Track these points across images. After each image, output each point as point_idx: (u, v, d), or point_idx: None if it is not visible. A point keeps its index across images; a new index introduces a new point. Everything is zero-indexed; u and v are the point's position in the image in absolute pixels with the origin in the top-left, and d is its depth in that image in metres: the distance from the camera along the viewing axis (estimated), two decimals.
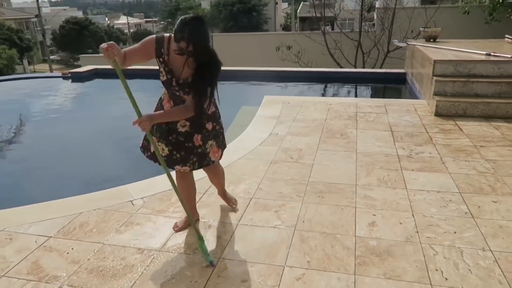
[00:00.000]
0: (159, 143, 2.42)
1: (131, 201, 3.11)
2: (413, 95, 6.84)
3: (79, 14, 57.07)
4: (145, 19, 77.72)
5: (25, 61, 28.70)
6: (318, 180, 3.42)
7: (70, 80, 9.49)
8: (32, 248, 2.53)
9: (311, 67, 10.96)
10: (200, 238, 2.37)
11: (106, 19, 64.81)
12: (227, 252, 2.46)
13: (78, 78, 9.52)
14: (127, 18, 59.63)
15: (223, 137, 2.59)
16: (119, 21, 62.87)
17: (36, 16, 40.38)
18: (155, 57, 2.24)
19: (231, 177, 3.43)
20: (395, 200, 3.05)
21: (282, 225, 2.73)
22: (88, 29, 39.85)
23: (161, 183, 3.37)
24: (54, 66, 35.62)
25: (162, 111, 2.35)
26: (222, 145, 2.58)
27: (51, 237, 2.65)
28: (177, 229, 2.70)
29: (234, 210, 2.91)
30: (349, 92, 8.49)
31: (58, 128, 6.23)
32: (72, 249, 2.52)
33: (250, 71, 9.14)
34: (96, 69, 10.10)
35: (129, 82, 2.15)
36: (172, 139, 2.39)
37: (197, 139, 2.39)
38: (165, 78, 2.26)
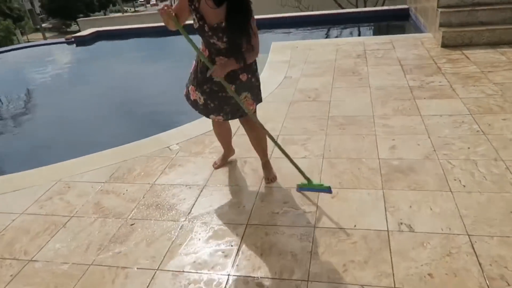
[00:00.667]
0: (196, 92, 2.49)
1: (168, 147, 3.37)
2: (417, 30, 6.89)
3: None
4: None
5: (17, 32, 28.18)
6: (337, 114, 3.65)
7: (75, 45, 9.52)
8: (91, 193, 2.82)
9: (312, 10, 10.84)
10: (308, 180, 2.51)
11: None
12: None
13: (82, 42, 9.55)
14: None
15: (259, 91, 2.53)
16: None
17: None
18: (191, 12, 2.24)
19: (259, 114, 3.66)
20: (411, 126, 3.30)
21: (311, 155, 3.00)
22: None
23: (191, 129, 3.64)
24: (47, 34, 34.96)
25: (232, 58, 2.26)
26: (257, 99, 2.52)
27: (104, 182, 2.94)
28: (216, 166, 2.97)
29: (269, 184, 2.72)
30: (352, 33, 8.51)
31: (80, 89, 6.46)
32: (127, 190, 2.81)
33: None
34: (98, 31, 10.11)
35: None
36: (206, 89, 2.41)
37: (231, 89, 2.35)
38: (197, 25, 2.28)
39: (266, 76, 4.96)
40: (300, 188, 2.57)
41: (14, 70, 8.55)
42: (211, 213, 2.49)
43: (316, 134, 3.31)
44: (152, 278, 2.03)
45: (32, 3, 31.78)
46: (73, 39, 9.65)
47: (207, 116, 2.57)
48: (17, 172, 3.26)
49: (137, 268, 2.11)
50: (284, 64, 5.28)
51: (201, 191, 2.72)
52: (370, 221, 2.26)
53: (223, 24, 2.17)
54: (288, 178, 2.73)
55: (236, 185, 2.76)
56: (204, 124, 3.67)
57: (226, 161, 2.99)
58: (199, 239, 2.27)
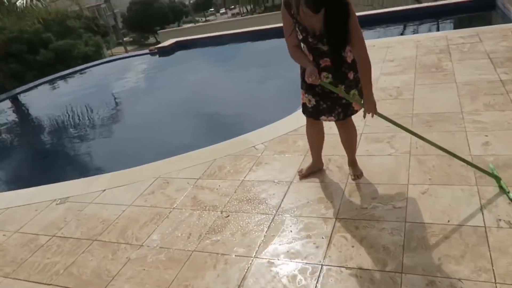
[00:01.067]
0: (306, 95, 2.54)
1: (253, 146, 3.56)
2: (506, 20, 6.43)
3: None
4: None
5: (103, 46, 30.89)
6: (422, 112, 3.58)
7: (158, 55, 10.29)
8: (188, 188, 3.09)
9: (386, 7, 10.55)
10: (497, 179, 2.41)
11: None
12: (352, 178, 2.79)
13: (164, 52, 10.29)
14: None
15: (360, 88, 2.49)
16: None
17: (106, 1, 42.87)
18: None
19: None
20: (505, 121, 3.13)
21: (397, 152, 2.99)
22: (153, 7, 41.29)
23: (274, 129, 3.79)
24: (128, 47, 37.84)
25: (361, 80, 2.39)
26: (362, 96, 2.45)
27: (198, 179, 3.20)
28: (302, 175, 2.92)
29: (355, 180, 2.75)
30: (431, 28, 8.16)
31: (167, 95, 7.02)
32: (219, 186, 3.03)
33: None
34: (176, 42, 10.79)
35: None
36: (318, 90, 2.46)
37: (341, 89, 2.38)
38: (301, 36, 2.34)
39: None
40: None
41: (110, 80, 9.48)
42: (300, 207, 2.60)
43: (401, 132, 3.22)
44: (250, 264, 2.20)
45: (115, 19, 34.74)
46: (156, 50, 10.42)
47: (317, 118, 2.61)
48: (122, 170, 3.66)
49: (235, 256, 2.29)
50: None
51: (289, 187, 2.85)
52: (465, 216, 2.22)
53: (324, 30, 2.23)
54: (374, 174, 2.76)
55: (322, 181, 2.84)
56: (287, 125, 3.83)
57: (312, 171, 2.94)
58: (291, 231, 2.40)
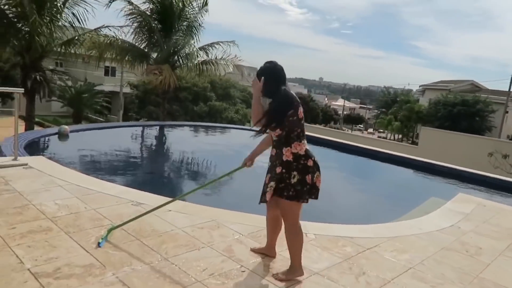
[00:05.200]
0: None
1: (306, 233, 3.71)
2: None
3: (305, 91, 64.96)
4: (360, 105, 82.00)
5: None
6: (489, 279, 3.28)
7: None
8: (229, 237, 3.40)
9: None
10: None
11: (326, 99, 71.44)
12: None
13: None
14: (344, 101, 64.23)
15: (288, 189, 2.73)
16: (336, 103, 68.22)
17: None
18: None
19: (396, 245, 3.67)
20: None
21: None
22: (308, 105, 44.79)
23: (332, 229, 3.89)
24: None
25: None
26: (278, 190, 2.75)
27: (243, 235, 3.47)
28: (252, 249, 3.23)
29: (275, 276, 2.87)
30: None
31: None
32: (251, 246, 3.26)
33: (450, 168, 8.89)
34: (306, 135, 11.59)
35: None
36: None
37: (267, 178, 2.85)
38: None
39: (433, 217, 4.82)
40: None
41: (234, 143, 10.62)
42: None
43: (453, 285, 3.07)
44: None
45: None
46: None
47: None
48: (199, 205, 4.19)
49: None
50: (458, 215, 5.00)
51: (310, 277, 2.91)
52: None
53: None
54: None
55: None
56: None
57: (262, 252, 3.18)
58: None
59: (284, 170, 2.74)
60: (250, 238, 3.45)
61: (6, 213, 3.43)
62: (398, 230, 4.14)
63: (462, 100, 24.29)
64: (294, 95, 2.75)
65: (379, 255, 3.45)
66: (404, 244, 3.78)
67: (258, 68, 2.89)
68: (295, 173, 2.72)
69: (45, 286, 2.42)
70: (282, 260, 3.10)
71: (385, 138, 40.60)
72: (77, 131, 9.70)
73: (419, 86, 41.12)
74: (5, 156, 5.37)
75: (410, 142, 35.27)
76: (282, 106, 2.70)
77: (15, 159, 4.98)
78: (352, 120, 59.68)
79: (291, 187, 2.73)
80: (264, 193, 2.83)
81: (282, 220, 2.92)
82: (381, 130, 53.12)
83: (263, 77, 2.77)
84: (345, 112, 60.68)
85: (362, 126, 63.28)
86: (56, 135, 8.59)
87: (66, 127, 8.93)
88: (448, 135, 16.50)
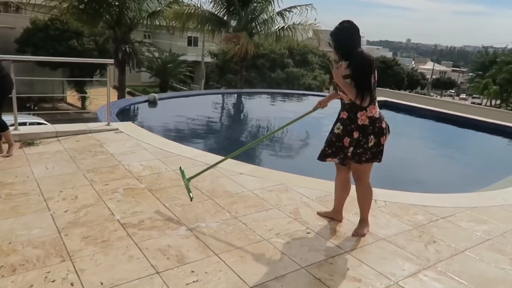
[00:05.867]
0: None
1: (375, 199, 3.66)
2: None
3: (389, 54, 61.15)
4: (452, 68, 75.13)
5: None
6: None
7: None
8: (297, 200, 3.50)
9: None
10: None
11: (413, 62, 66.67)
12: (442, 268, 2.65)
13: None
14: (433, 64, 59.26)
15: (365, 152, 2.77)
16: (425, 66, 63.42)
17: None
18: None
19: (474, 216, 3.47)
20: None
21: (511, 271, 2.66)
22: (392, 69, 42.26)
23: (404, 196, 3.78)
24: None
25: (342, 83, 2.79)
26: (355, 155, 2.79)
27: (310, 199, 3.55)
28: (318, 212, 3.29)
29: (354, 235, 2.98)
30: None
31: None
32: (319, 209, 3.32)
33: None
34: (386, 101, 11.11)
35: None
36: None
37: (346, 141, 2.79)
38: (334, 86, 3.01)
39: None
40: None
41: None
42: None
43: None
44: None
45: None
46: None
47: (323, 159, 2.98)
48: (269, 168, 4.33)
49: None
50: None
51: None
52: None
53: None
54: (464, 277, 2.56)
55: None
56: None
57: (329, 216, 3.22)
58: None
59: (360, 135, 2.76)
60: (317, 202, 3.52)
61: (101, 171, 3.90)
62: (478, 200, 3.89)
63: None
64: (371, 56, 2.72)
65: (454, 224, 3.30)
66: (484, 214, 3.55)
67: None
68: (371, 137, 2.75)
69: (131, 235, 2.75)
70: (348, 224, 3.13)
71: (480, 104, 37.08)
72: (163, 99, 10.41)
73: None
74: (100, 122, 6.00)
75: (510, 108, 31.83)
76: (364, 71, 2.67)
77: (108, 124, 5.55)
78: (442, 84, 55.16)
79: (368, 151, 2.78)
80: (346, 157, 2.86)
81: (355, 181, 2.97)
82: (476, 96, 48.44)
83: (336, 40, 2.77)
84: (434, 76, 56.20)
85: (453, 91, 58.29)
86: (143, 103, 9.34)
87: (155, 95, 9.72)
88: None
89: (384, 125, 2.78)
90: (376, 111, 2.76)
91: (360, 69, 2.67)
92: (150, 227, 2.89)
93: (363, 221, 3.02)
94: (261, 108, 11.29)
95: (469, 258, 2.79)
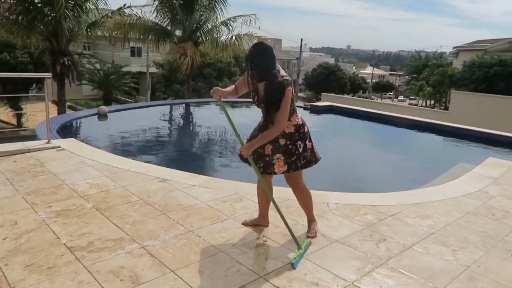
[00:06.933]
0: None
1: (327, 203, 3.76)
2: None
3: (331, 60, 63.46)
4: (389, 72, 79.50)
5: None
6: None
7: (309, 111, 11.13)
8: (251, 208, 3.49)
9: None
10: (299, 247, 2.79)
11: (354, 67, 69.59)
12: (393, 264, 2.77)
13: (316, 110, 11.08)
14: (372, 69, 62.38)
15: (299, 159, 2.85)
16: (365, 71, 66.37)
17: (297, 58, 47.47)
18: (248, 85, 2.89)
19: (419, 212, 3.67)
20: None
21: (455, 262, 2.83)
22: (335, 74, 43.87)
23: (354, 198, 3.92)
24: (299, 101, 40.87)
25: (257, 137, 2.83)
26: (292, 164, 2.84)
27: None
28: (244, 222, 3.25)
29: (309, 236, 3.05)
30: None
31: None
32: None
33: (481, 132, 8.61)
34: (331, 105, 11.50)
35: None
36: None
37: (268, 148, 2.83)
38: (252, 95, 2.88)
39: (459, 182, 4.74)
40: (295, 264, 2.64)
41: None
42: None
43: (475, 248, 3.06)
44: None
45: (298, 75, 38.28)
46: (309, 106, 11.30)
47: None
48: (226, 180, 4.29)
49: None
50: (487, 180, 4.89)
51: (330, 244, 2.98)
52: None
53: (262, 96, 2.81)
54: (414, 271, 2.69)
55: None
56: (371, 198, 3.91)
57: (255, 223, 3.22)
58: None
59: (288, 142, 2.84)
60: (272, 209, 3.53)
61: (43, 193, 3.66)
62: (421, 197, 4.12)
63: (500, 60, 22.92)
64: (285, 75, 2.75)
65: (400, 221, 3.47)
66: (427, 210, 3.77)
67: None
68: (299, 142, 2.86)
69: (79, 259, 2.60)
70: (303, 229, 3.18)
71: (416, 105, 39.39)
72: (110, 112, 10.04)
73: (453, 48, 39.29)
74: (39, 139, 5.65)
75: (442, 108, 34.13)
76: (277, 94, 2.70)
77: (48, 142, 5.25)
78: (382, 87, 58.06)
79: (301, 156, 2.88)
80: (271, 164, 2.86)
81: (291, 187, 3.04)
82: (412, 97, 51.47)
83: (252, 64, 2.78)
84: (374, 80, 59.03)
85: (392, 93, 61.53)
86: (86, 117, 8.98)
87: (105, 107, 9.58)
88: (481, 98, 15.82)
89: (306, 129, 2.92)
90: (299, 118, 2.90)
91: (275, 92, 2.71)
92: (100, 249, 2.75)
93: (312, 221, 3.15)
94: (210, 117, 11.24)
95: (416, 252, 2.94)
